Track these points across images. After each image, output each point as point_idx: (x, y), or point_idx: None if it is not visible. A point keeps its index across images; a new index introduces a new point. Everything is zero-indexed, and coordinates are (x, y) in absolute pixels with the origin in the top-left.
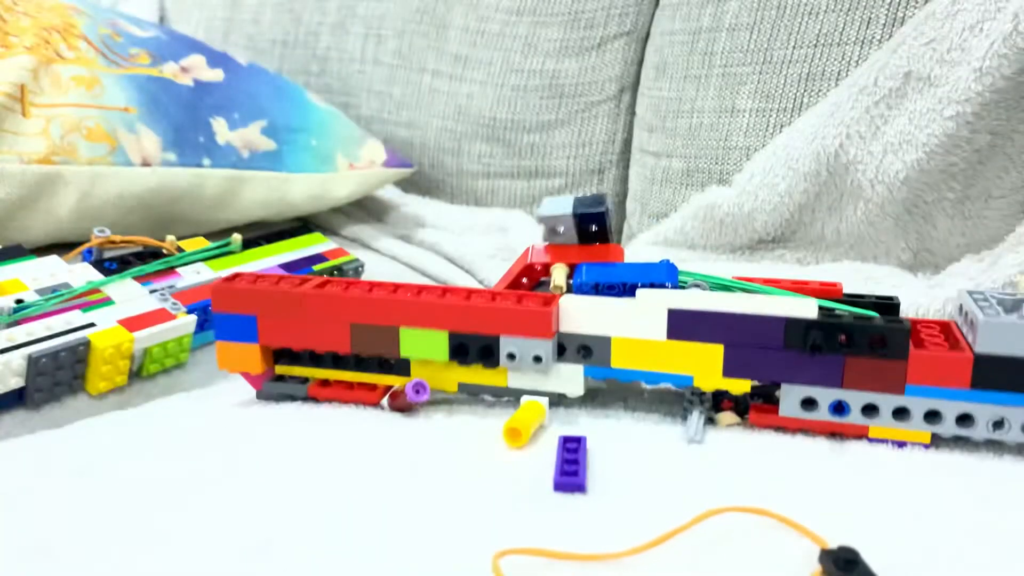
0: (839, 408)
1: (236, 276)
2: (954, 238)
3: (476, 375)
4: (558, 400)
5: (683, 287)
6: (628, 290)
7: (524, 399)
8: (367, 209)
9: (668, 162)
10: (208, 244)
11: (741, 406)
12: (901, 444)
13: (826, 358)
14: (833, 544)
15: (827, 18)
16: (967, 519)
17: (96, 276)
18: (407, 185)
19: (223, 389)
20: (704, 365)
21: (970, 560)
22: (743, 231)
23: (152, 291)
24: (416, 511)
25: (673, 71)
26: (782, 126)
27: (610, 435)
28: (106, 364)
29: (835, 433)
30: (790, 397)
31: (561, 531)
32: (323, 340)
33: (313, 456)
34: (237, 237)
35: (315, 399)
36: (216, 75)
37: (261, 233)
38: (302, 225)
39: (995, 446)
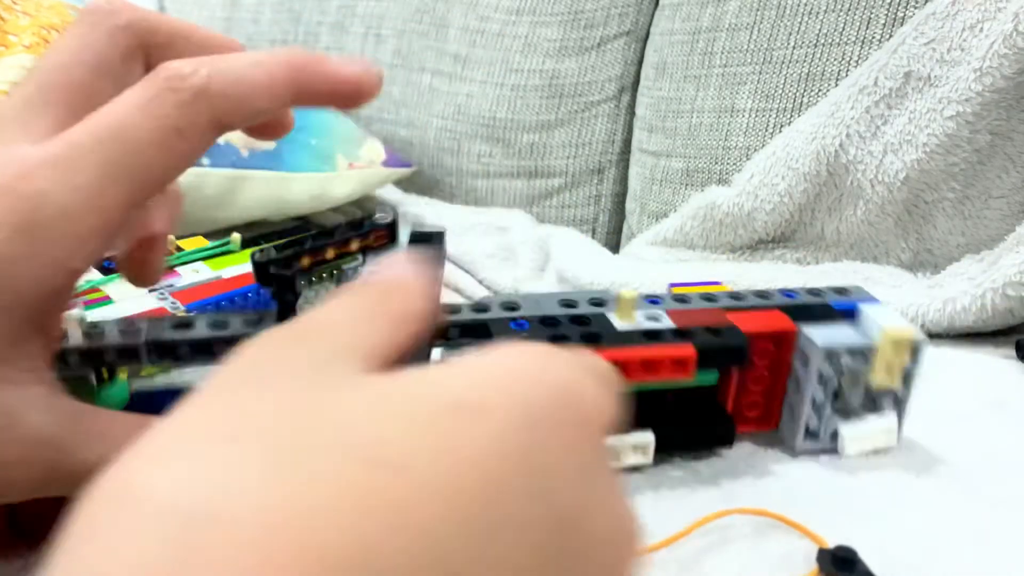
0: None
1: None
2: (954, 238)
3: None
4: None
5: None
6: None
7: None
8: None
9: (668, 162)
10: (207, 243)
11: None
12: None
13: None
14: (831, 544)
15: (827, 18)
16: (966, 519)
17: (95, 275)
18: (407, 185)
19: None
20: None
21: (969, 560)
22: (743, 231)
23: (151, 290)
24: None
25: (673, 71)
26: (782, 126)
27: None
28: None
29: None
30: None
31: None
32: None
33: None
34: (236, 236)
35: None
36: None
37: (261, 232)
38: (302, 225)
39: (995, 445)
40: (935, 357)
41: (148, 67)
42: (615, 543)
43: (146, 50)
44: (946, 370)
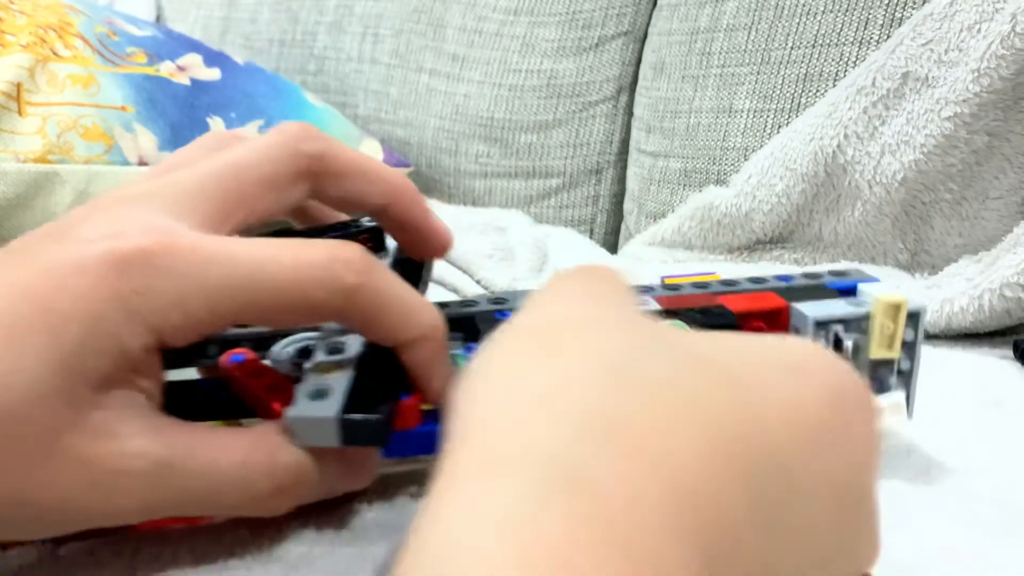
0: None
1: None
2: (951, 239)
3: None
4: None
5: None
6: None
7: None
8: None
9: (666, 162)
10: None
11: None
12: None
13: None
14: None
15: (825, 19)
16: (963, 519)
17: None
18: None
19: None
20: None
21: (966, 561)
22: (740, 232)
23: None
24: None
25: (671, 71)
26: (780, 126)
27: None
28: None
29: None
30: None
31: None
32: None
33: None
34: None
35: None
36: (213, 74)
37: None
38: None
39: (993, 446)
40: (933, 357)
41: (315, 191)
42: (872, 544)
43: (318, 177)
44: (944, 370)
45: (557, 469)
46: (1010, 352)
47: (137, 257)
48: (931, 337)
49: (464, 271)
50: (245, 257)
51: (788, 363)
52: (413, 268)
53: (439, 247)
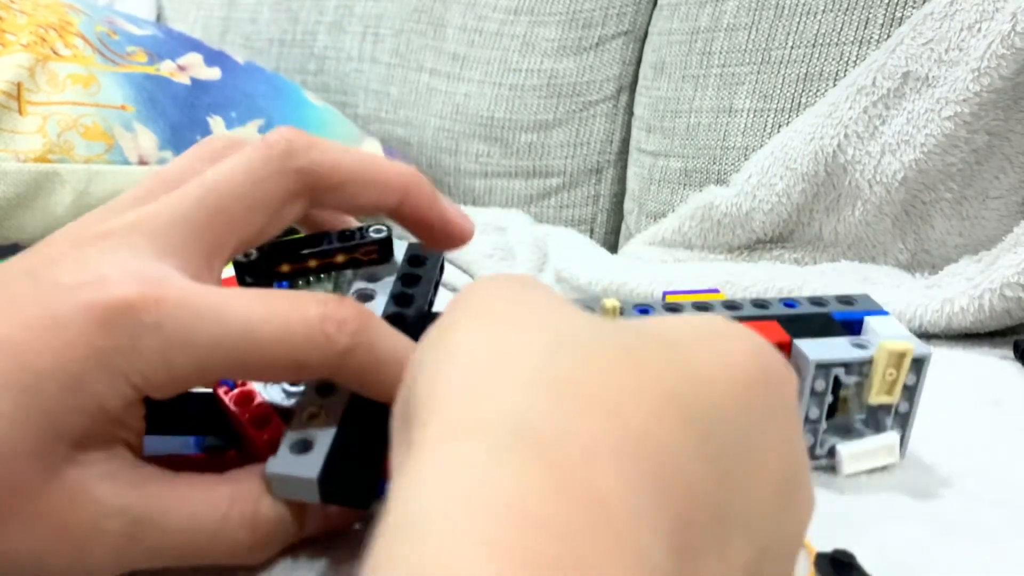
0: None
1: None
2: (952, 238)
3: None
4: None
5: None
6: None
7: None
8: None
9: (666, 162)
10: None
11: None
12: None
13: None
14: (828, 548)
15: (825, 18)
16: (964, 520)
17: None
18: None
19: None
20: None
21: (967, 562)
22: (741, 231)
23: None
24: None
25: (671, 71)
26: (780, 126)
27: None
28: None
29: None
30: None
31: None
32: None
33: None
34: None
35: None
36: (213, 74)
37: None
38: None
39: (993, 446)
40: (933, 357)
41: (314, 203)
42: (808, 506)
43: (314, 191)
44: (944, 370)
45: (516, 430)
46: (1010, 352)
47: (121, 311)
48: (931, 337)
49: (464, 271)
50: (235, 316)
51: (712, 330)
52: (422, 279)
53: (457, 238)
